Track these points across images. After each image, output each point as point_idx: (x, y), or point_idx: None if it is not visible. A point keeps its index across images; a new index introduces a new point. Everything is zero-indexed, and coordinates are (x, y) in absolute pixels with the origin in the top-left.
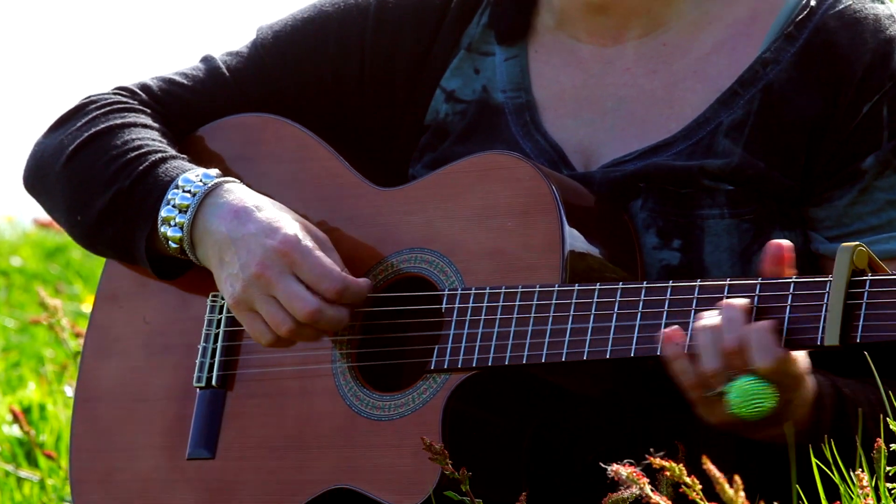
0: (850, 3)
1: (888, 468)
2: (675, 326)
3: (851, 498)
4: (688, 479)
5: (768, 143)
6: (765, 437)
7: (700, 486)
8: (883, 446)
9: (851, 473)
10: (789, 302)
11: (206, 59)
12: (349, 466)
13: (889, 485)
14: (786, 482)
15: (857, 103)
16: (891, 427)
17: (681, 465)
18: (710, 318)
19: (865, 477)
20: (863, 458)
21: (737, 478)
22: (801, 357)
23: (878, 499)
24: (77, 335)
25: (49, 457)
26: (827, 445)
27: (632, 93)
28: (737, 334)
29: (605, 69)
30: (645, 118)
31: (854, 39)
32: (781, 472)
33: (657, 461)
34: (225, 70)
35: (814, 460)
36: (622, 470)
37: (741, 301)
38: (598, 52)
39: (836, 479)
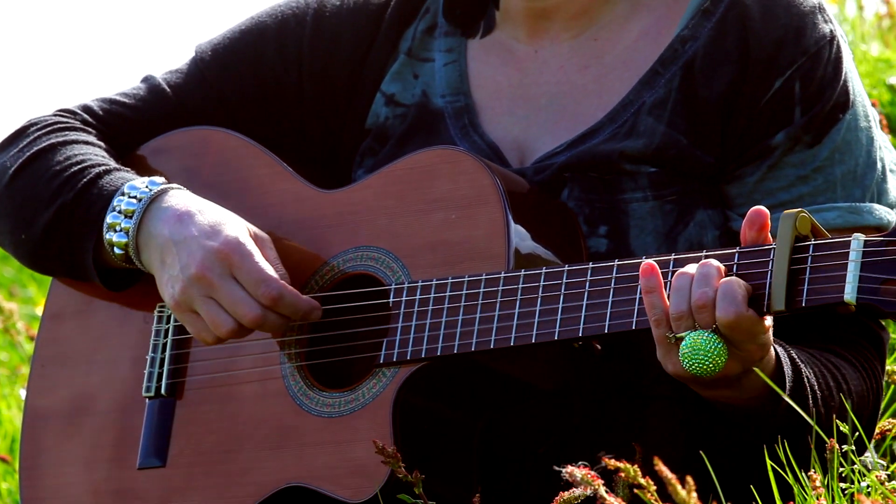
0: None
1: (840, 468)
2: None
3: (805, 498)
4: (642, 481)
5: (689, 120)
6: (716, 396)
7: (654, 487)
8: (836, 446)
9: (804, 474)
10: (735, 271)
11: (147, 79)
12: (300, 465)
13: (842, 485)
14: (737, 481)
15: (767, 78)
16: (841, 429)
17: (636, 465)
18: (690, 268)
19: (819, 477)
20: (815, 459)
21: (689, 478)
22: (766, 323)
23: (832, 499)
24: (31, 338)
25: (3, 460)
26: (779, 436)
27: (564, 89)
28: (707, 288)
29: (540, 68)
30: (575, 111)
31: (767, 14)
32: (733, 470)
33: (612, 462)
34: (166, 87)
35: (768, 461)
36: (577, 471)
37: (717, 262)
38: (535, 53)
39: (790, 479)
